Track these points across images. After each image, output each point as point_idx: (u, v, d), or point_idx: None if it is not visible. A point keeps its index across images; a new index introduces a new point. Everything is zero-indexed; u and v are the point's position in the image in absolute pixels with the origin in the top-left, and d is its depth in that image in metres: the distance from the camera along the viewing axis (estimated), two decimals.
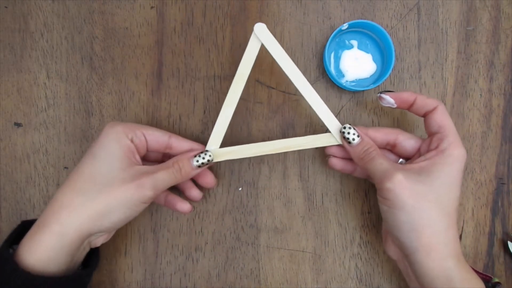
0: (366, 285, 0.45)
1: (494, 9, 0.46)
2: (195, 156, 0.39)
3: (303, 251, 0.45)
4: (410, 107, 0.40)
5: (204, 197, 0.45)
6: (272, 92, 0.46)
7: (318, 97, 0.40)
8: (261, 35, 0.39)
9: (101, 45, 0.46)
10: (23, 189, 0.45)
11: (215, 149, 0.41)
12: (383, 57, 0.45)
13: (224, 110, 0.40)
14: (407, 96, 0.39)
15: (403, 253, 0.37)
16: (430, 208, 0.35)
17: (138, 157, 0.38)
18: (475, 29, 0.46)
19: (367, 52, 0.45)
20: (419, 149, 0.40)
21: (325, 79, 0.46)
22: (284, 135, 0.45)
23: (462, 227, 0.46)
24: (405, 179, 0.35)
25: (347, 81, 0.45)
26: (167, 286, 0.45)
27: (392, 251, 0.39)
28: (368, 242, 0.45)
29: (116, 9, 0.46)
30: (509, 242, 0.45)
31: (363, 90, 0.46)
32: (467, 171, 0.46)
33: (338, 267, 0.45)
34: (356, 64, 0.45)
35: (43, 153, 0.45)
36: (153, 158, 0.42)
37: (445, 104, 0.46)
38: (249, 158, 0.45)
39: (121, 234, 0.45)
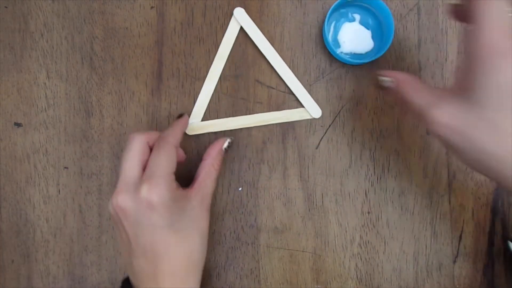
0: (366, 285, 0.45)
1: None
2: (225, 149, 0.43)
3: (303, 251, 0.45)
4: None
5: None
6: (272, 92, 0.46)
7: (293, 75, 0.45)
8: (240, 19, 0.44)
9: (101, 45, 0.46)
10: (23, 189, 0.45)
11: (197, 122, 0.45)
12: (382, 37, 0.45)
13: (205, 86, 0.45)
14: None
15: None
16: (494, 127, 0.25)
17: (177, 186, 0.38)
18: None
19: (368, 29, 0.45)
20: None
21: (325, 79, 0.46)
22: (284, 135, 0.45)
23: (462, 227, 0.46)
24: (445, 116, 0.27)
25: (341, 52, 0.45)
26: None
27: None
28: (368, 242, 0.45)
29: (116, 9, 0.46)
30: (509, 242, 0.45)
31: (357, 64, 0.45)
32: (467, 171, 0.46)
33: (338, 267, 0.45)
34: (354, 38, 0.45)
35: (43, 153, 0.45)
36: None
37: None
38: (249, 158, 0.45)
39: None
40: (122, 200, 0.35)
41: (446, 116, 0.27)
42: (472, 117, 0.26)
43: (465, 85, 0.27)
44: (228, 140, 0.43)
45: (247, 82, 0.46)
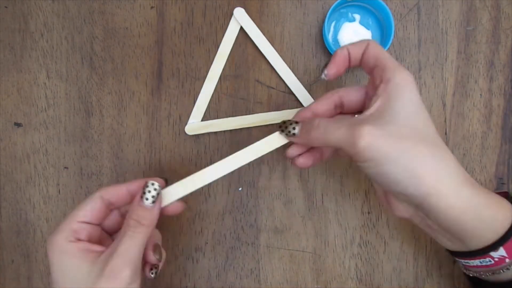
0: (366, 285, 0.45)
1: (494, 9, 0.46)
2: (142, 197, 0.33)
3: (303, 251, 0.45)
4: (353, 63, 0.35)
5: (204, 197, 0.45)
6: (272, 92, 0.46)
7: (293, 75, 0.45)
8: (240, 19, 0.44)
9: (101, 45, 0.46)
10: (23, 189, 0.45)
11: (197, 122, 0.44)
12: (382, 37, 0.45)
13: (205, 86, 0.45)
14: (340, 54, 0.35)
15: (414, 206, 0.33)
16: (414, 144, 0.30)
17: (96, 247, 0.32)
18: (475, 29, 0.46)
19: (368, 29, 0.45)
20: (366, 95, 0.36)
21: (325, 80, 0.46)
22: None
23: None
24: (374, 128, 0.30)
25: None
26: (167, 286, 0.45)
27: (402, 210, 0.34)
28: (368, 242, 0.45)
29: (116, 9, 0.46)
30: None
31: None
32: (467, 171, 0.46)
33: (338, 267, 0.45)
34: (354, 38, 0.45)
35: (43, 153, 0.45)
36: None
37: (445, 104, 0.46)
38: None
39: None
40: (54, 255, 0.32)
41: (377, 128, 0.30)
42: (396, 125, 0.31)
43: (384, 105, 0.32)
44: (148, 191, 0.33)
45: (247, 82, 0.46)
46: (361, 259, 0.45)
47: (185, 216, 0.45)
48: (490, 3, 0.46)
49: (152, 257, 0.35)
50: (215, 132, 0.45)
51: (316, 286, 0.45)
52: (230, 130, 0.45)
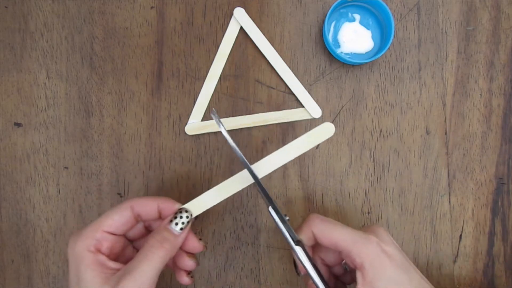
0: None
1: (494, 9, 0.46)
2: (171, 221, 0.33)
3: None
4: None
5: None
6: (272, 92, 0.46)
7: (293, 75, 0.45)
8: (240, 19, 0.44)
9: (101, 45, 0.46)
10: (23, 189, 0.45)
11: (197, 122, 0.44)
12: (382, 37, 0.45)
13: (205, 86, 0.45)
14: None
15: None
16: None
17: (112, 264, 0.32)
18: (475, 29, 0.46)
19: (368, 29, 0.45)
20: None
21: (325, 79, 0.46)
22: (284, 135, 0.45)
23: (462, 227, 0.46)
24: None
25: (342, 52, 0.45)
26: (167, 286, 0.45)
27: None
28: None
29: (116, 9, 0.46)
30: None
31: (357, 64, 0.46)
32: (467, 171, 0.46)
33: None
34: (354, 38, 0.45)
35: (43, 153, 0.45)
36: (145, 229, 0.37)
37: (445, 104, 0.46)
38: (249, 158, 0.45)
39: None
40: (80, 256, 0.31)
41: None
42: None
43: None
44: (179, 216, 0.33)
45: (247, 82, 0.46)
46: None
47: None
48: (490, 3, 0.46)
49: (189, 262, 0.35)
50: (215, 132, 0.45)
51: None
52: (230, 130, 0.45)
